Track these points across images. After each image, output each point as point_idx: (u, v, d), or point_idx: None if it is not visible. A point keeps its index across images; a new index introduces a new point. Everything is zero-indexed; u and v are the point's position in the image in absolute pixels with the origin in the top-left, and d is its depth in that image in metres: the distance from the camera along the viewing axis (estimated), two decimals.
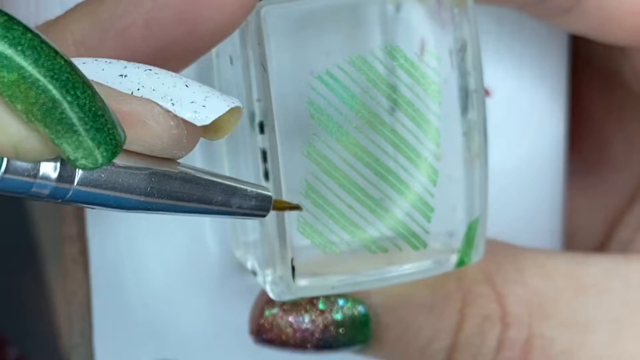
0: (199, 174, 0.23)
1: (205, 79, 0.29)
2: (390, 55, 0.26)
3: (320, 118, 0.26)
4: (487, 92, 0.32)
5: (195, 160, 0.29)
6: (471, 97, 0.27)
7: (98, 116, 0.19)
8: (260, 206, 0.24)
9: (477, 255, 0.28)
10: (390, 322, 0.29)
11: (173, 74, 0.22)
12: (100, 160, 0.19)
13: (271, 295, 0.27)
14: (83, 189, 0.21)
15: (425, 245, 0.27)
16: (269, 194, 0.24)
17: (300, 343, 0.29)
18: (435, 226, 0.27)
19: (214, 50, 0.29)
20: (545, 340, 0.30)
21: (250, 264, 0.29)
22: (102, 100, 0.19)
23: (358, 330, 0.29)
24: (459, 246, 0.27)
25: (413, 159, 0.26)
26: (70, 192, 0.20)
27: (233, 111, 0.22)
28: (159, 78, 0.21)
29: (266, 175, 0.26)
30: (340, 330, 0.29)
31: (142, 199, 0.21)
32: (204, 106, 0.22)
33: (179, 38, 0.23)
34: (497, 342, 0.29)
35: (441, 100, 0.26)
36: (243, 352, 0.30)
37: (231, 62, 0.27)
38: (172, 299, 0.30)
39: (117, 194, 0.21)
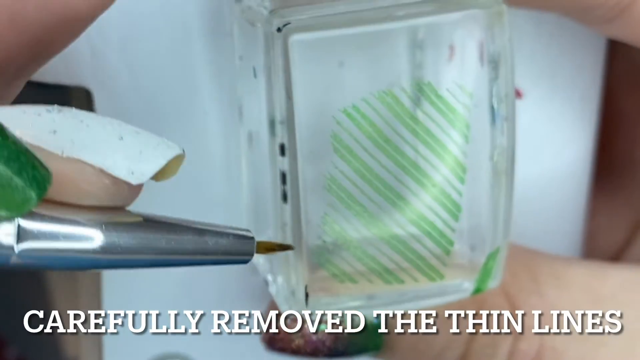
0: (163, 219, 0.21)
1: (225, 77, 0.28)
2: (419, 90, 0.25)
3: (343, 152, 0.25)
4: (519, 94, 0.30)
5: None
6: (501, 124, 0.26)
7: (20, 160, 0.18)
8: (241, 250, 0.22)
9: (494, 282, 0.27)
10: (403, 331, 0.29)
11: (106, 121, 0.21)
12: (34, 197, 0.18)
13: (282, 310, 0.27)
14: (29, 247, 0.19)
15: (451, 243, 0.26)
16: (250, 235, 0.22)
17: (311, 352, 0.29)
18: (465, 225, 0.26)
19: (236, 51, 0.28)
20: (556, 353, 0.29)
21: (262, 269, 0.29)
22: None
23: (370, 338, 0.29)
24: (476, 276, 0.27)
25: (437, 195, 0.26)
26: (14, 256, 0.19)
27: (174, 158, 0.21)
28: (90, 131, 0.20)
29: (284, 197, 0.26)
30: (353, 340, 0.29)
31: (98, 256, 0.20)
32: (139, 162, 0.20)
33: (47, 27, 0.21)
34: (508, 353, 0.29)
35: (469, 137, 0.25)
36: (252, 350, 0.30)
37: (254, 74, 0.26)
38: (180, 294, 0.30)
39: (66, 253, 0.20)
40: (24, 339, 0.47)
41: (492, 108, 0.26)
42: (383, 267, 0.26)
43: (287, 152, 0.25)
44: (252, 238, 0.22)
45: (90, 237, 0.20)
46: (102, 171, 0.20)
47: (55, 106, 0.20)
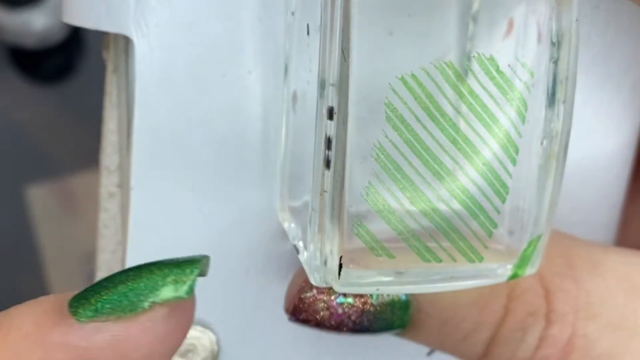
0: None
1: (272, 36, 0.27)
2: (480, 63, 0.24)
3: (396, 121, 0.24)
4: None
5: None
6: (558, 107, 0.25)
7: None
8: None
9: (532, 269, 0.27)
10: (431, 312, 0.28)
11: None
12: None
13: (312, 280, 0.26)
14: None
15: (495, 225, 0.25)
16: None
17: (336, 326, 0.28)
18: (508, 208, 0.25)
19: (289, 7, 0.27)
20: (587, 341, 0.29)
21: (293, 235, 0.28)
22: None
23: (397, 315, 0.28)
24: (516, 261, 0.26)
25: (486, 173, 0.25)
26: None
27: None
28: None
29: (327, 163, 0.25)
30: (378, 315, 0.28)
31: None
32: None
33: None
34: (539, 338, 0.29)
35: (526, 117, 0.24)
36: (274, 321, 0.30)
37: (307, 31, 0.25)
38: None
39: None
40: None
41: (549, 90, 0.25)
42: (422, 243, 0.25)
43: (335, 116, 0.24)
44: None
45: None
46: None
47: None
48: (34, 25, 0.50)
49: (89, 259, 0.50)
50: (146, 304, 0.22)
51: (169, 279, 0.22)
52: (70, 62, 0.54)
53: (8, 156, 0.53)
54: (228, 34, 0.27)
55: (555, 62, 0.25)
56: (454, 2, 0.24)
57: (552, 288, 0.28)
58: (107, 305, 0.22)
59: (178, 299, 0.22)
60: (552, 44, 0.25)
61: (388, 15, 0.24)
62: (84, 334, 0.22)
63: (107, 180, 0.30)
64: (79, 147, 0.54)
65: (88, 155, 0.53)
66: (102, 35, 0.30)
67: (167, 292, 0.22)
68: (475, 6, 0.24)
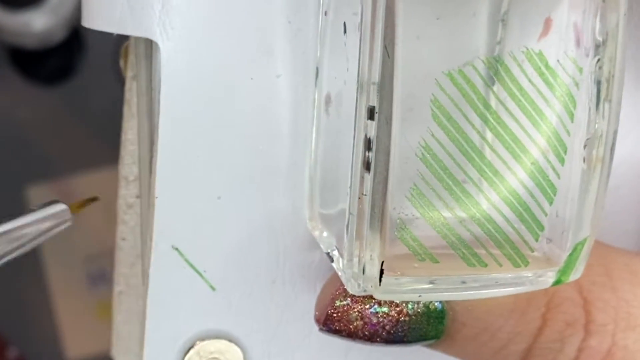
0: None
1: (302, 39, 0.26)
2: (529, 59, 0.23)
3: (442, 119, 0.23)
4: None
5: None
6: (602, 106, 0.24)
7: None
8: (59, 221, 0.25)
9: (576, 274, 0.26)
10: (467, 321, 0.27)
11: None
12: None
13: (348, 288, 0.25)
14: None
15: (542, 228, 0.24)
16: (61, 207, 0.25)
17: (369, 336, 0.27)
18: (554, 212, 0.25)
19: (322, 7, 0.26)
20: (627, 353, 0.28)
21: (325, 243, 0.27)
22: None
23: (432, 325, 0.27)
24: (561, 266, 0.25)
25: (534, 174, 0.24)
26: None
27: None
28: None
29: (367, 165, 0.24)
30: (413, 325, 0.27)
31: None
32: None
33: None
34: (577, 349, 0.28)
35: (575, 116, 0.24)
36: (300, 334, 0.29)
37: (345, 30, 0.24)
38: (229, 269, 0.28)
39: None
40: (24, 339, 0.46)
41: (595, 89, 0.24)
42: (468, 247, 0.24)
43: (377, 115, 0.23)
44: (58, 201, 0.25)
45: None
46: None
47: None
48: (34, 25, 0.49)
49: (90, 259, 0.49)
50: None
51: None
52: (70, 62, 0.53)
53: (8, 156, 0.52)
54: (256, 36, 0.27)
55: (600, 60, 0.24)
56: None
57: (591, 298, 0.28)
58: None
59: None
60: (597, 42, 0.24)
61: (433, 9, 0.23)
62: None
63: (126, 191, 0.29)
64: (79, 147, 0.53)
65: (88, 156, 0.52)
66: (109, 39, 0.29)
67: None
68: (507, 6, 0.24)
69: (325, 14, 0.26)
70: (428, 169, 0.23)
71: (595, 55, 0.24)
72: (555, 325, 0.28)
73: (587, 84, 0.24)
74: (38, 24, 0.49)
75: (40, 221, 0.25)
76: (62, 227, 0.26)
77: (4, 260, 0.25)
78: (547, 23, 0.24)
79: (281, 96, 0.27)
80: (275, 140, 0.27)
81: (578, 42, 0.24)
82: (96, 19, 0.27)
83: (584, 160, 0.25)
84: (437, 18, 0.23)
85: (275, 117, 0.27)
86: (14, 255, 0.25)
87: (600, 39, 0.24)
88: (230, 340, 0.29)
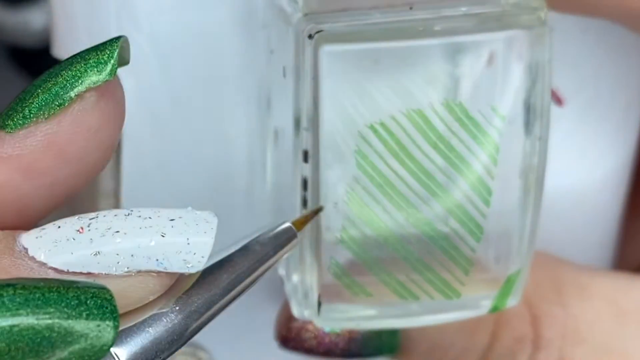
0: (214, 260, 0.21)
1: (256, 69, 0.28)
2: (450, 110, 0.24)
3: (367, 168, 0.24)
4: (560, 101, 0.29)
5: None
6: (533, 143, 0.25)
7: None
8: (285, 241, 0.23)
9: (513, 301, 0.27)
10: (420, 338, 0.29)
11: (140, 223, 0.20)
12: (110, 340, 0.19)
13: (294, 313, 0.27)
14: None
15: (482, 231, 0.25)
16: (286, 225, 0.23)
17: (325, 353, 0.29)
18: (483, 247, 0.26)
19: (269, 46, 0.27)
20: None
21: (280, 267, 0.28)
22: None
23: (385, 341, 0.29)
24: (495, 293, 0.26)
25: (460, 216, 0.25)
26: None
27: None
28: (130, 240, 0.20)
29: (304, 203, 0.25)
30: (366, 342, 0.29)
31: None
32: (191, 251, 0.20)
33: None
34: None
35: (497, 159, 0.25)
36: (265, 345, 0.30)
37: (284, 74, 0.25)
38: None
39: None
40: None
41: (526, 127, 0.25)
42: (398, 282, 0.25)
43: (310, 159, 0.25)
44: (285, 222, 0.23)
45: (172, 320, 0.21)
46: (159, 274, 0.20)
47: (85, 219, 0.20)
48: (34, 24, 0.50)
49: None
50: (73, 94, 0.21)
51: (90, 64, 0.21)
52: None
53: None
54: (210, 67, 0.28)
55: (531, 101, 0.25)
56: (438, 48, 0.24)
57: (539, 314, 0.29)
58: (34, 108, 0.21)
59: (102, 82, 0.21)
60: (528, 84, 0.25)
61: (359, 64, 0.24)
62: (14, 141, 0.21)
63: (105, 206, 0.31)
64: None
65: None
66: None
67: (90, 76, 0.21)
68: (456, 51, 0.24)
69: (272, 52, 0.27)
70: (355, 212, 0.25)
71: (526, 98, 0.25)
72: (504, 341, 0.29)
73: (519, 124, 0.25)
74: (38, 23, 0.50)
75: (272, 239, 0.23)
76: (293, 243, 0.23)
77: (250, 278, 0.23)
78: (488, 65, 0.25)
79: (238, 125, 0.28)
80: (233, 165, 0.29)
81: (516, 83, 0.25)
82: (60, 50, 0.28)
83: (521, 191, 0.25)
84: (362, 78, 0.24)
85: (232, 144, 0.29)
86: (257, 274, 0.23)
87: (531, 82, 0.25)
88: (196, 347, 0.31)
